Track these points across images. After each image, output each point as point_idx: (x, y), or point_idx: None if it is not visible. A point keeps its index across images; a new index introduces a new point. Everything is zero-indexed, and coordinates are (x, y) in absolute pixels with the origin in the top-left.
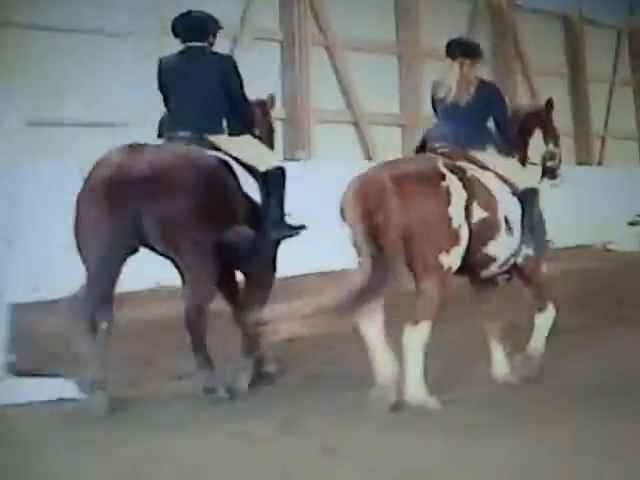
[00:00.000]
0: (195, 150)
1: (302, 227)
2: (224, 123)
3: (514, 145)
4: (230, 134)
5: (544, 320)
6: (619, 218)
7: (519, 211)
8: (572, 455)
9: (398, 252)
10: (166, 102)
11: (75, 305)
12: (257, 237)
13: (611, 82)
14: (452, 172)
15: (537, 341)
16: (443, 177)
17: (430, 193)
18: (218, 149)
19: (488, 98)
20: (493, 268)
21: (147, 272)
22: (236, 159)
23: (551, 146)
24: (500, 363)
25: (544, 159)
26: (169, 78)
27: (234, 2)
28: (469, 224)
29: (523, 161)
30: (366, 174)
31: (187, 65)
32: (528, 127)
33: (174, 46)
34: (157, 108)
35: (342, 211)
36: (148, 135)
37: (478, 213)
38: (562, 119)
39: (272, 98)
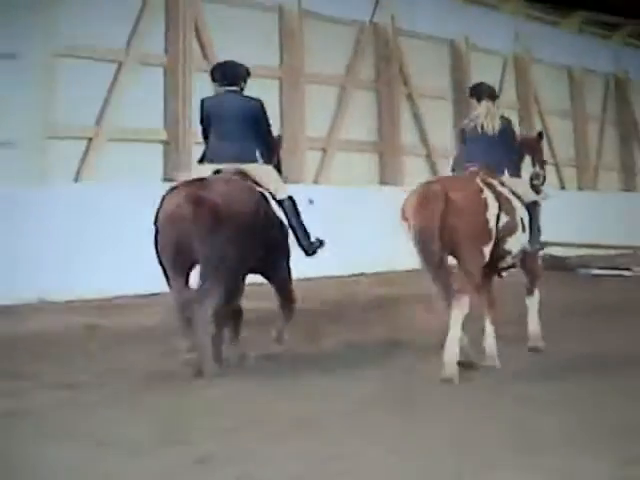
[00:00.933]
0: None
1: (323, 242)
2: (256, 154)
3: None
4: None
5: (534, 301)
6: None
7: (527, 217)
8: None
9: (448, 247)
10: (205, 135)
11: None
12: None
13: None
14: (487, 187)
15: (532, 317)
16: (482, 191)
17: (474, 203)
18: (247, 176)
19: (506, 130)
20: (508, 259)
21: (29, 286)
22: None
23: (537, 168)
24: (491, 345)
25: (531, 178)
26: (210, 115)
27: (120, 27)
28: (497, 226)
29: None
30: (425, 186)
31: (225, 105)
32: (521, 152)
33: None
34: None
35: (403, 213)
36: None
37: (504, 218)
38: (442, 141)
39: (280, 137)
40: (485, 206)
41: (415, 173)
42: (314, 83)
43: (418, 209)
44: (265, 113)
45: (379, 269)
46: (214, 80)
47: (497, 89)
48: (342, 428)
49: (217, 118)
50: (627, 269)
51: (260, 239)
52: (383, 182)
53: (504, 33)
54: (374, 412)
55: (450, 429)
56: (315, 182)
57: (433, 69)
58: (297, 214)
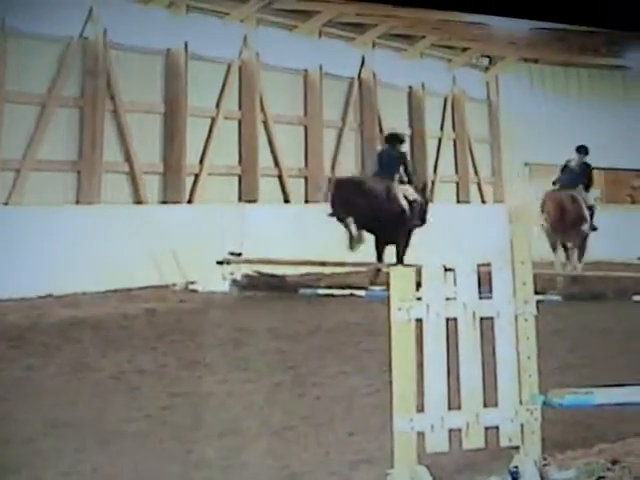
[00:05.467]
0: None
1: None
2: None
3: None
4: (400, 182)
5: None
6: (207, 257)
7: None
8: None
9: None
10: (379, 164)
11: None
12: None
13: (213, 117)
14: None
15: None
16: (576, 200)
17: (576, 207)
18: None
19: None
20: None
21: None
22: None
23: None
24: None
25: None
26: (381, 156)
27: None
28: None
29: None
30: (554, 193)
31: (388, 152)
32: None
33: None
34: None
35: (543, 210)
36: None
37: None
38: (151, 157)
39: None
40: (581, 209)
41: (113, 191)
42: (11, 102)
43: (554, 209)
44: (406, 158)
45: (67, 291)
46: (386, 141)
47: (217, 98)
48: None
49: (383, 158)
50: (362, 288)
51: None
52: (79, 201)
53: (231, 40)
54: None
55: None
56: (5, 204)
57: (145, 82)
58: (420, 205)
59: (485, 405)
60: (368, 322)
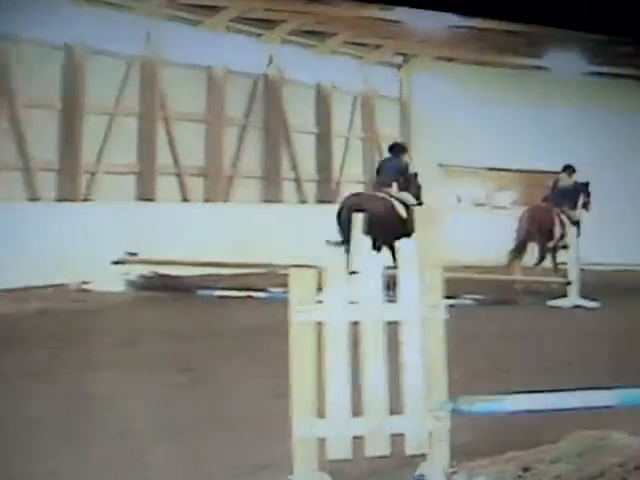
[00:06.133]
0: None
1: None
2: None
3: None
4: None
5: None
6: (102, 256)
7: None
8: None
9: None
10: (378, 173)
11: None
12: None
13: (112, 113)
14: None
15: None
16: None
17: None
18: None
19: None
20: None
21: None
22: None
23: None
24: None
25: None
26: (382, 165)
27: None
28: None
29: None
30: (536, 206)
31: (389, 162)
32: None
33: None
34: None
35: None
36: None
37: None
38: (48, 154)
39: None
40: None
41: (7, 188)
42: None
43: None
44: (407, 166)
45: None
46: (390, 150)
47: (117, 94)
48: None
49: (383, 167)
50: (262, 290)
51: None
52: None
53: (134, 35)
54: None
55: None
56: None
57: (43, 78)
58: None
59: (391, 412)
60: (268, 325)
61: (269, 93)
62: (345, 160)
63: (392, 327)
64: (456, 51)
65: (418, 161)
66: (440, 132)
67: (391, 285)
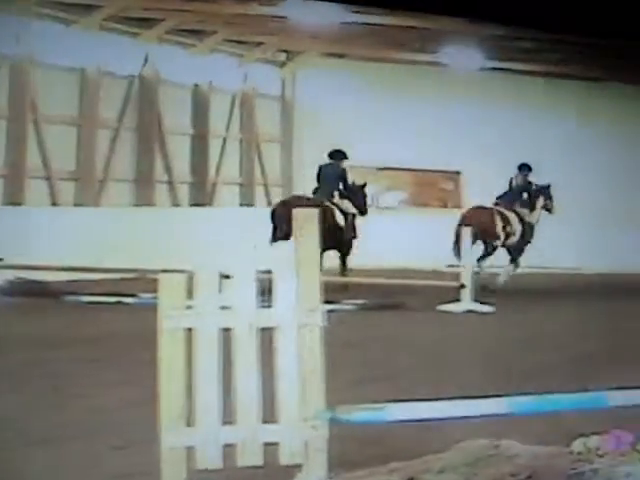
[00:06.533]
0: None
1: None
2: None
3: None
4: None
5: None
6: None
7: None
8: None
9: None
10: (319, 180)
11: None
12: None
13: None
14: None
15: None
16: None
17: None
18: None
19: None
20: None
21: None
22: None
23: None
24: None
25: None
26: (321, 172)
27: None
28: None
29: None
30: (475, 208)
31: (329, 168)
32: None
33: None
34: None
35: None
36: None
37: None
38: None
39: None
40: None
41: None
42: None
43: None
44: (345, 172)
45: None
46: (330, 157)
47: None
48: None
49: (322, 173)
50: (132, 295)
51: None
52: None
53: (3, 35)
54: None
55: None
56: None
57: None
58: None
59: (265, 420)
60: (137, 331)
61: (144, 94)
62: (222, 161)
63: (268, 333)
64: (347, 47)
65: (300, 161)
66: (325, 131)
67: (266, 290)
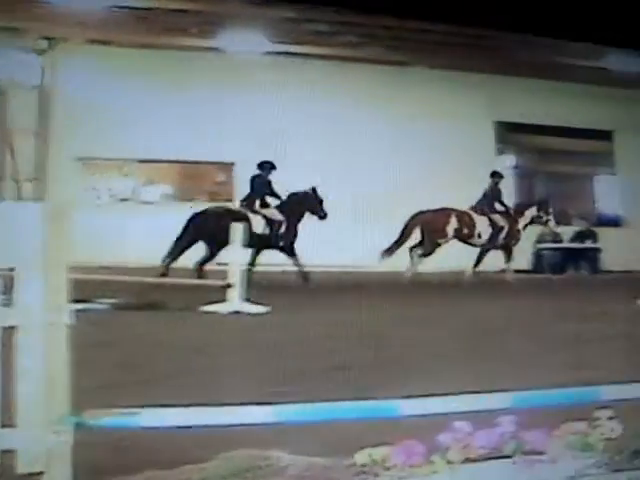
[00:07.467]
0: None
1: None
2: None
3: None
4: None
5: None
6: None
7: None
8: None
9: None
10: (250, 188)
11: None
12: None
13: None
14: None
15: None
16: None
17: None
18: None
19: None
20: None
21: None
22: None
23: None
24: None
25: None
26: (252, 181)
27: None
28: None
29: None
30: (437, 210)
31: (258, 178)
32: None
33: None
34: None
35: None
36: None
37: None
38: None
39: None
40: (454, 222)
41: None
42: None
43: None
44: (270, 182)
45: None
46: (259, 167)
47: None
48: None
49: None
50: None
51: None
52: None
53: None
54: None
55: None
56: None
57: None
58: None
59: (3, 425)
60: None
61: None
62: None
63: (8, 332)
64: (114, 34)
65: (54, 154)
66: (85, 123)
67: (8, 287)
